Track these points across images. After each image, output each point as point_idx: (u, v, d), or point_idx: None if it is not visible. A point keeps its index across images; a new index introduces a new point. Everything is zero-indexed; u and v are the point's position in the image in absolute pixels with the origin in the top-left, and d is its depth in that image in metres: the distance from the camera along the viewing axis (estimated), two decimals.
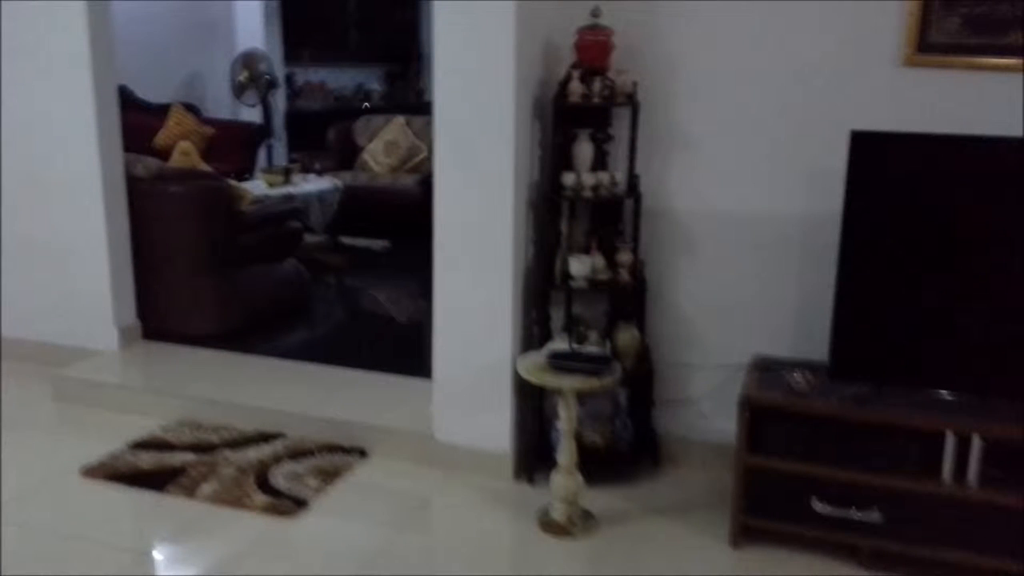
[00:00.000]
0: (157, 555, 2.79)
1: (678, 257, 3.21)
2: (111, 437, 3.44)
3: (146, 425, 3.55)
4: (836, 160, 2.69)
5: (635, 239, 3.11)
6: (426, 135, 7.08)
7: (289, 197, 5.93)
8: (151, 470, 3.20)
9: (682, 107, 3.10)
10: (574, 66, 3.00)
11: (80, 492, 3.09)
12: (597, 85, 2.96)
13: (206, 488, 3.06)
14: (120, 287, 4.15)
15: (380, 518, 2.96)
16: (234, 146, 7.45)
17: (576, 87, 2.97)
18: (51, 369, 3.96)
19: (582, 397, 3.00)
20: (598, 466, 3.06)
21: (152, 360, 4.12)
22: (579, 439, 2.94)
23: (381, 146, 7.46)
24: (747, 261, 3.12)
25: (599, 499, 3.02)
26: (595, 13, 2.94)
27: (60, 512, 2.97)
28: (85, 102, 3.93)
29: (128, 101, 6.16)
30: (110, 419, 3.64)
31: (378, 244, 6.77)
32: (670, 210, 3.17)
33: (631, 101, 2.99)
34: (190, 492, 3.04)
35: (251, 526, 2.88)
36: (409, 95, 9.90)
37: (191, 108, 7.55)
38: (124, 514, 3.03)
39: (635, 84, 2.99)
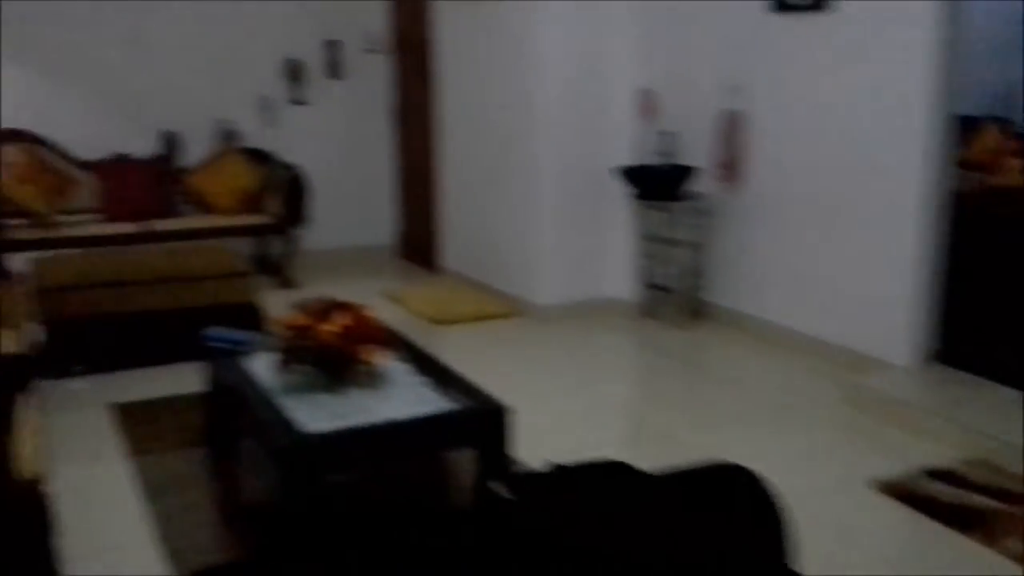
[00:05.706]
0: None
1: None
2: (900, 455, 3.33)
3: (939, 452, 3.34)
4: None
5: None
6: None
7: None
8: (947, 503, 2.97)
9: None
10: None
11: (866, 503, 3.03)
12: None
13: (1010, 543, 2.71)
14: (922, 306, 3.98)
15: None
16: None
17: None
18: (846, 374, 4.00)
19: None
20: None
21: (947, 386, 3.86)
22: None
23: None
24: None
25: None
26: None
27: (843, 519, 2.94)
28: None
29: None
30: (899, 436, 3.53)
31: None
32: None
33: None
34: (991, 541, 2.73)
35: None
36: None
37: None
38: (906, 538, 2.91)
39: None
